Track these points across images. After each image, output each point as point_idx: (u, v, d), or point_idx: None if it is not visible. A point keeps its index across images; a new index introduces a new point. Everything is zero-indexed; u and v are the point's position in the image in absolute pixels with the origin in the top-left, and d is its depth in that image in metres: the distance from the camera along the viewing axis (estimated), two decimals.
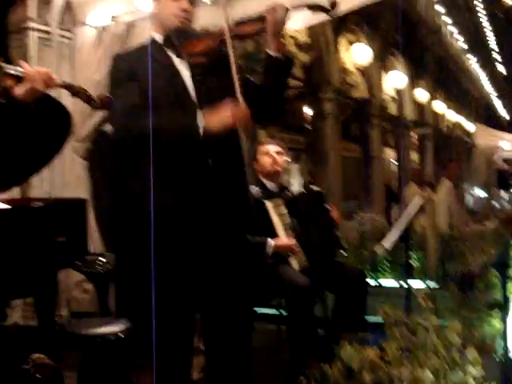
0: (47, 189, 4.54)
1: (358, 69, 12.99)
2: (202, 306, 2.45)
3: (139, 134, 2.20)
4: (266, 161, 3.65)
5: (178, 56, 2.36)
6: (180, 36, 2.35)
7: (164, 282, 2.29)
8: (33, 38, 4.50)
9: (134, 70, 2.31)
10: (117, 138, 2.38)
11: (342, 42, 12.06)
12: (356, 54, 11.32)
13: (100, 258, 4.16)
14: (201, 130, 2.27)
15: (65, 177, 4.68)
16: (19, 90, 1.97)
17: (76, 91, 2.28)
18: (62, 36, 4.66)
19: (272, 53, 2.35)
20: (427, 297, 2.22)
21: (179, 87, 2.34)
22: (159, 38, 2.40)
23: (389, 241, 3.28)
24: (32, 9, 4.48)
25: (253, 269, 3.05)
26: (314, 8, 2.37)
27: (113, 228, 4.17)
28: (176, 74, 2.35)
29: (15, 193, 3.87)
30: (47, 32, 4.57)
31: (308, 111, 11.44)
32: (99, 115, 4.44)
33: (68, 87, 2.29)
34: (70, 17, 4.74)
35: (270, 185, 3.64)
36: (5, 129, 1.93)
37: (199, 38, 2.34)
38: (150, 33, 4.14)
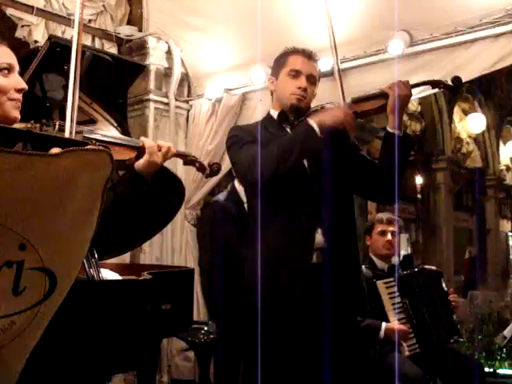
0: (157, 253, 4.66)
1: (472, 138, 12.60)
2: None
3: (268, 173, 2.23)
4: (382, 242, 3.49)
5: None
6: (296, 112, 2.37)
7: (269, 357, 2.24)
8: (152, 108, 4.72)
9: (254, 137, 2.35)
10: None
11: (456, 111, 11.78)
12: (470, 122, 11.00)
13: (203, 327, 4.16)
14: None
15: (174, 242, 4.78)
16: (140, 164, 1.97)
17: (189, 160, 2.29)
18: (178, 107, 4.86)
19: (392, 130, 2.29)
20: None
21: None
22: (275, 114, 2.44)
23: (510, 331, 3.01)
24: (152, 82, 4.71)
25: (362, 354, 2.91)
26: (437, 85, 2.31)
27: (218, 297, 4.14)
28: None
29: (126, 256, 4.00)
30: (165, 103, 4.78)
31: (419, 180, 11.16)
32: (210, 184, 4.54)
33: (182, 156, 2.33)
34: (187, 89, 4.98)
35: (380, 264, 3.48)
36: (124, 200, 1.94)
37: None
38: (261, 105, 4.27)
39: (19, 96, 1.56)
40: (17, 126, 1.58)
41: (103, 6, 4.79)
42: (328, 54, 3.58)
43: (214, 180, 4.51)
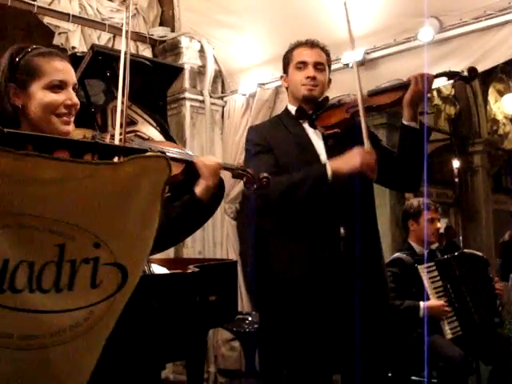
0: (199, 247, 4.77)
1: (509, 118, 12.40)
2: (344, 369, 2.43)
3: (281, 187, 2.28)
4: (432, 229, 3.51)
5: (312, 126, 2.40)
6: (312, 106, 2.41)
7: (309, 342, 2.31)
8: (188, 106, 4.83)
9: (268, 140, 2.41)
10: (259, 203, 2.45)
11: (490, 92, 11.60)
12: (506, 103, 10.83)
13: (248, 317, 4.26)
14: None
15: (215, 236, 4.88)
16: (199, 190, 1.92)
17: (237, 173, 2.11)
18: (214, 104, 4.96)
19: (407, 123, 2.32)
20: None
21: (311, 157, 2.38)
22: (292, 109, 2.48)
23: None
24: (186, 80, 4.82)
25: (404, 334, 2.97)
26: (453, 77, 2.33)
27: (259, 287, 4.23)
28: (308, 145, 2.40)
29: (170, 251, 4.13)
30: (200, 101, 4.89)
31: (456, 164, 11.04)
32: None
33: (229, 169, 2.29)
34: (221, 85, 5.07)
35: (419, 249, 3.52)
36: (181, 221, 1.96)
37: (333, 108, 2.38)
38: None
39: (67, 111, 1.57)
40: (76, 132, 1.65)
41: (136, 9, 4.92)
42: (358, 44, 3.63)
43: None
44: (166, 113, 3.00)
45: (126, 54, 1.58)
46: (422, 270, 3.34)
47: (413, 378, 3.78)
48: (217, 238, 4.89)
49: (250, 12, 4.56)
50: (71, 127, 1.59)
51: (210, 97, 4.92)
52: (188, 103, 4.85)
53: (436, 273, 3.38)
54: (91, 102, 2.69)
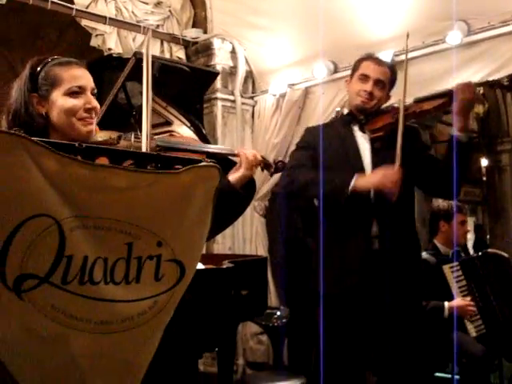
0: (229, 244, 4.90)
1: None
2: (375, 366, 2.53)
3: (294, 188, 2.51)
4: (462, 231, 3.59)
5: (361, 129, 2.55)
6: (364, 112, 2.56)
7: (338, 339, 2.44)
8: (219, 106, 4.96)
9: (316, 139, 2.55)
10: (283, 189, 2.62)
11: None
12: None
13: (276, 312, 4.37)
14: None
15: (245, 233, 5.00)
16: (234, 177, 2.01)
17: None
18: (244, 103, 5.08)
19: (457, 133, 2.41)
20: None
21: (352, 157, 2.53)
22: (346, 112, 2.69)
23: None
24: (218, 81, 4.94)
25: (428, 333, 3.06)
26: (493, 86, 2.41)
27: (288, 283, 4.34)
28: (352, 145, 2.56)
29: None
30: (231, 100, 5.01)
31: (484, 163, 11.00)
32: (277, 176, 4.73)
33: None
34: (251, 86, 5.19)
35: (444, 249, 3.60)
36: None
37: (382, 114, 2.55)
38: (323, 98, 4.43)
39: (88, 115, 1.65)
40: (100, 136, 1.75)
41: (169, 11, 5.05)
42: (387, 47, 3.72)
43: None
44: (202, 115, 3.13)
45: (147, 76, 1.67)
46: (447, 269, 3.42)
47: (437, 374, 3.87)
48: (246, 235, 5.00)
49: (281, 13, 4.66)
50: (93, 127, 1.68)
51: (241, 97, 5.03)
52: (220, 103, 4.97)
53: (460, 272, 3.45)
54: (132, 105, 2.84)
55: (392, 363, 2.44)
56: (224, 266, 2.59)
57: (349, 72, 4.09)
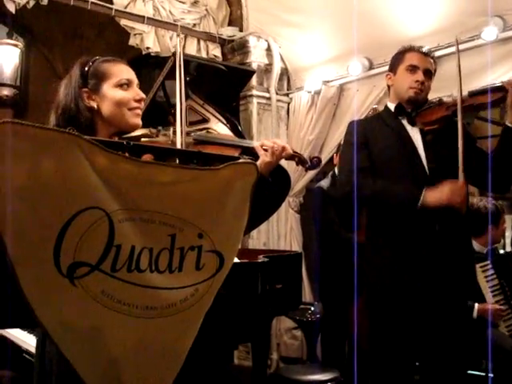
0: (264, 239, 4.95)
1: None
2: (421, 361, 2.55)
3: (366, 191, 2.44)
4: (501, 231, 3.60)
5: (410, 123, 2.55)
6: (413, 105, 2.55)
7: (384, 335, 2.46)
8: (255, 103, 5.03)
9: (367, 135, 2.57)
10: (341, 193, 2.60)
11: None
12: None
13: (310, 307, 4.41)
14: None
15: (279, 228, 5.06)
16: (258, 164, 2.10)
17: (291, 156, 2.31)
18: (279, 100, 5.13)
19: (510, 125, 2.41)
20: None
21: (410, 151, 2.52)
22: (392, 106, 2.63)
23: None
24: (254, 78, 4.99)
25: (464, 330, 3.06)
26: None
27: (322, 279, 4.36)
28: (407, 139, 2.54)
29: None
30: (267, 98, 5.07)
31: None
32: (312, 172, 4.77)
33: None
34: (286, 83, 5.24)
35: (478, 247, 3.58)
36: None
37: (432, 107, 2.51)
38: (358, 95, 4.44)
39: (138, 105, 1.74)
40: (139, 131, 1.84)
41: (206, 10, 5.13)
42: (422, 43, 3.72)
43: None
44: (238, 112, 3.19)
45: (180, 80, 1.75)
46: (478, 268, 3.41)
47: (470, 372, 3.86)
48: (281, 231, 5.04)
49: (316, 10, 4.68)
50: (140, 121, 1.75)
51: (276, 94, 5.08)
52: (255, 100, 5.02)
53: (492, 271, 3.44)
54: (170, 103, 2.92)
55: (438, 360, 2.46)
56: (259, 260, 2.64)
57: (384, 68, 4.14)
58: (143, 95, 1.78)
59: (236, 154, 2.08)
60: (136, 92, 1.75)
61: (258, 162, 1.99)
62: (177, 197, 1.14)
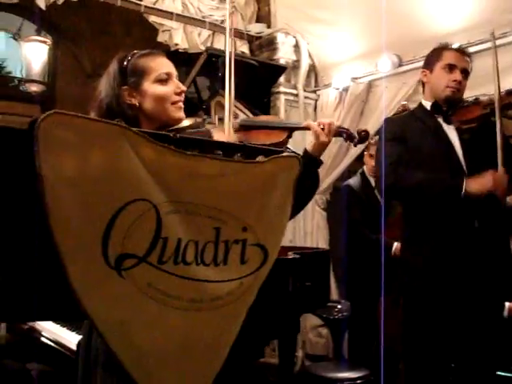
0: (290, 237, 4.94)
1: None
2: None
3: (403, 187, 2.43)
4: None
5: (446, 121, 2.53)
6: (449, 103, 2.53)
7: (421, 336, 2.44)
8: (282, 100, 5.01)
9: (404, 131, 2.55)
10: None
11: None
12: None
13: (337, 305, 4.39)
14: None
15: (305, 226, 5.04)
16: (309, 146, 2.01)
17: (339, 132, 2.21)
18: (307, 97, 5.11)
19: None
20: None
21: (447, 149, 2.51)
22: (427, 104, 2.61)
23: None
24: (282, 75, 4.98)
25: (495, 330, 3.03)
26: None
27: (349, 277, 4.35)
28: (444, 137, 2.53)
29: None
30: (294, 94, 5.05)
31: None
32: (339, 170, 4.76)
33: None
34: (314, 79, 5.22)
35: None
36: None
37: (469, 106, 2.50)
38: (387, 92, 4.40)
39: (180, 98, 1.73)
40: (184, 121, 1.83)
41: (234, 6, 5.13)
42: (453, 39, 3.67)
43: (343, 166, 4.74)
44: (269, 108, 3.19)
45: (230, 54, 1.75)
46: None
47: (499, 373, 3.80)
48: (307, 228, 5.03)
49: (344, 7, 4.65)
50: (183, 114, 1.74)
51: (304, 90, 5.06)
52: (283, 97, 5.00)
53: None
54: (202, 100, 2.93)
55: (470, 361, 2.45)
56: (290, 257, 2.64)
57: (414, 65, 4.10)
58: (184, 87, 1.76)
59: (283, 136, 2.08)
60: (176, 85, 1.74)
61: (313, 142, 2.00)
62: (221, 190, 1.14)
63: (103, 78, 1.76)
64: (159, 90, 1.71)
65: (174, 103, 1.72)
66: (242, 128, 2.02)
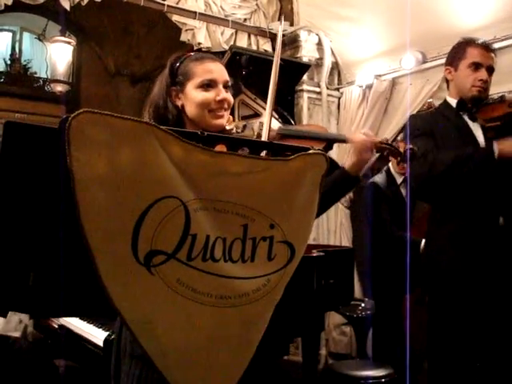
0: (313, 234, 4.94)
1: None
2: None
3: (439, 171, 2.40)
4: None
5: (471, 119, 2.51)
6: (474, 101, 2.51)
7: (448, 335, 2.43)
8: (305, 98, 5.01)
9: (432, 127, 2.54)
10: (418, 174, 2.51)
11: None
12: None
13: (361, 304, 4.39)
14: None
15: (329, 224, 5.04)
16: (349, 162, 1.89)
17: (380, 148, 2.04)
18: (330, 95, 5.11)
19: None
20: None
21: (473, 145, 2.48)
22: (452, 101, 2.59)
23: None
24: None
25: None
26: None
27: (373, 275, 4.33)
28: (470, 134, 2.51)
29: None
30: (317, 92, 5.05)
31: None
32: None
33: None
34: (337, 77, 5.21)
35: None
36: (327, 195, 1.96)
37: (494, 104, 2.47)
38: (411, 89, 4.37)
39: (219, 105, 1.71)
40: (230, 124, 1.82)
41: (256, 4, 5.14)
42: (478, 34, 3.63)
43: (367, 164, 4.71)
44: (293, 106, 3.19)
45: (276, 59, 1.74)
46: None
47: None
48: (331, 226, 5.03)
49: (367, 4, 4.64)
50: (224, 121, 1.74)
51: (327, 88, 5.06)
52: (306, 95, 5.00)
53: None
54: None
55: (492, 360, 2.43)
56: (315, 255, 2.65)
57: (438, 62, 4.07)
58: (226, 95, 1.73)
59: (320, 147, 2.02)
60: (218, 93, 1.71)
61: (355, 159, 1.89)
62: (249, 187, 1.15)
63: (158, 78, 1.80)
64: (199, 95, 1.71)
65: (211, 110, 1.71)
66: (280, 136, 1.99)
